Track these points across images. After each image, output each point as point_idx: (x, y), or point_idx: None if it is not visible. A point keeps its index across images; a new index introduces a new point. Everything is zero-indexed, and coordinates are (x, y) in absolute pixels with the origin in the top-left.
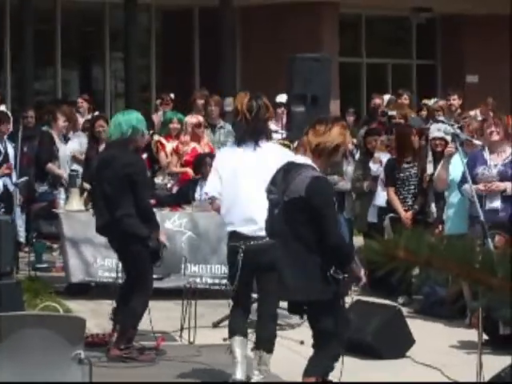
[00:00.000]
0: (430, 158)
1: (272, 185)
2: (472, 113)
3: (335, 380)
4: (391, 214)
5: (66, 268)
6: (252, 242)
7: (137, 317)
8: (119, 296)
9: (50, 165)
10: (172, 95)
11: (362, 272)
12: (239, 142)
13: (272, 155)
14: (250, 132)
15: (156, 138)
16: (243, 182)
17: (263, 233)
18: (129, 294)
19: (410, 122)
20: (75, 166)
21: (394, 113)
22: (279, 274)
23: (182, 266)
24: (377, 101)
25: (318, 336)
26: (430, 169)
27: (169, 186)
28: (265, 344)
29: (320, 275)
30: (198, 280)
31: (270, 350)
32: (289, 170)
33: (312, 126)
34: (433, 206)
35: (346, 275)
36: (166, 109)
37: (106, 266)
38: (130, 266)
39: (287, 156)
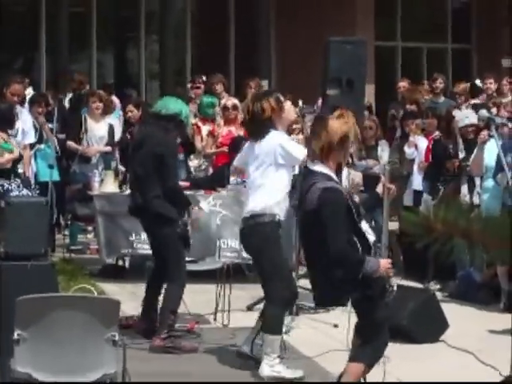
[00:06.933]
0: (460, 145)
1: (293, 189)
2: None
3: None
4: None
5: (100, 249)
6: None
7: (174, 302)
8: (149, 281)
9: (69, 142)
10: (204, 77)
11: (382, 263)
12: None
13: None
14: (249, 133)
15: (193, 120)
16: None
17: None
18: (160, 278)
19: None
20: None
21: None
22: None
23: (217, 249)
24: (401, 84)
25: (364, 327)
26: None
27: (203, 167)
28: (263, 325)
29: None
30: (235, 254)
31: (267, 331)
32: (305, 177)
33: (311, 131)
34: (465, 190)
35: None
36: (196, 91)
37: (143, 239)
38: (161, 248)
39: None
